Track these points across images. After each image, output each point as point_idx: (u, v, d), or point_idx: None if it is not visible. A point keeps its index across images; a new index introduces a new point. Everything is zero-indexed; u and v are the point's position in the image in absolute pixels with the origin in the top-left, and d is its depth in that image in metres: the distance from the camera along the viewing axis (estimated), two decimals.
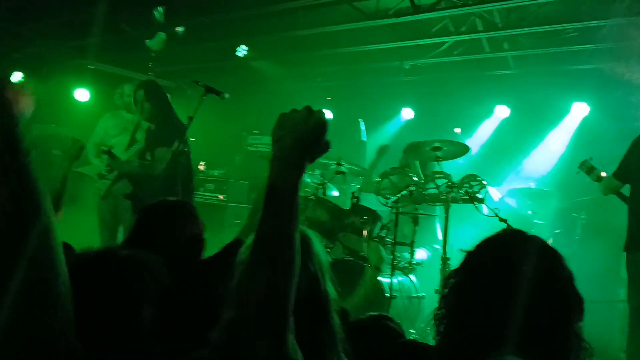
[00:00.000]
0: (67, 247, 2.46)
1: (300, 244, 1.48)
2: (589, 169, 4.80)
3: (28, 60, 8.63)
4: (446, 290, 1.44)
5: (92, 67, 8.23)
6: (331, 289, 1.63)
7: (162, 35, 7.12)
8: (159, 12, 6.82)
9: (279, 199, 1.19)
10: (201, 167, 8.45)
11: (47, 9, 6.82)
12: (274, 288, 1.17)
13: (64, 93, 8.53)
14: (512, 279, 1.32)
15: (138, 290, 1.69)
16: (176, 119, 4.94)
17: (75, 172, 6.80)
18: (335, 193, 6.71)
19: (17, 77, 8.74)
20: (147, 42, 7.18)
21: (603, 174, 4.67)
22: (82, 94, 8.51)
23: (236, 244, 2.41)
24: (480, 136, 8.18)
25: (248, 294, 1.20)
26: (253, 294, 1.19)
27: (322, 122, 1.28)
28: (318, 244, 1.67)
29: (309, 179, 6.73)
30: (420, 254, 5.87)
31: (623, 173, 4.41)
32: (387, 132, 8.96)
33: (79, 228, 5.72)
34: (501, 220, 4.69)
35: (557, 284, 1.34)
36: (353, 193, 5.65)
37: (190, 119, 4.50)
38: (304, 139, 1.24)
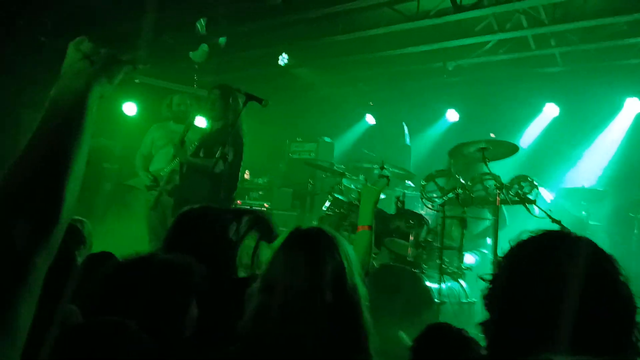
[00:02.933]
0: (108, 255, 2.51)
1: (327, 238, 1.66)
2: None
3: None
4: (487, 294, 1.41)
5: (138, 81, 8.42)
6: (360, 285, 1.65)
7: (204, 47, 7.23)
8: (201, 24, 6.93)
9: None
10: (246, 175, 8.52)
11: (91, 24, 7.02)
12: None
13: (113, 107, 8.76)
14: (557, 281, 1.27)
15: (180, 292, 1.72)
16: (240, 127, 4.96)
17: (124, 184, 7.02)
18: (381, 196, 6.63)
19: None
20: (191, 54, 7.32)
21: None
22: (129, 108, 8.72)
23: None
24: (529, 136, 7.97)
25: None
26: None
27: None
28: (347, 244, 1.74)
29: (353, 184, 6.69)
30: (469, 258, 5.73)
31: None
32: (432, 135, 8.83)
33: (130, 238, 5.86)
34: (554, 221, 4.51)
35: (607, 287, 1.29)
36: (398, 197, 5.57)
37: (232, 126, 4.55)
38: None
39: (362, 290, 1.63)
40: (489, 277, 1.42)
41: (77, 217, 3.32)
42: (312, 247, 1.62)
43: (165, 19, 6.87)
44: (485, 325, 1.37)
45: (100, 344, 1.29)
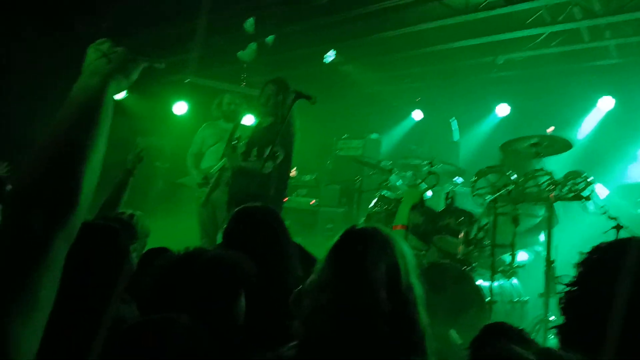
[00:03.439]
0: (164, 251, 2.59)
1: (382, 237, 1.62)
2: None
3: None
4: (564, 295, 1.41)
5: (188, 81, 8.60)
6: (417, 284, 1.62)
7: (253, 46, 7.33)
8: (249, 24, 7.02)
9: None
10: (293, 172, 8.59)
11: (143, 27, 7.21)
12: None
13: (164, 107, 8.98)
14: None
15: (227, 286, 1.75)
16: (292, 125, 4.97)
17: (175, 182, 7.19)
18: (428, 194, 6.57)
19: (120, 93, 9.30)
20: (239, 53, 7.42)
21: None
22: (180, 107, 8.92)
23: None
24: (584, 130, 7.73)
25: None
26: None
27: None
28: (403, 243, 1.69)
29: (400, 181, 6.65)
30: (521, 256, 5.61)
31: None
32: (481, 130, 8.68)
33: (181, 234, 6.01)
34: (610, 218, 4.38)
35: None
36: (447, 194, 5.50)
37: (281, 124, 4.59)
38: None
39: (419, 290, 1.61)
40: (567, 281, 1.41)
41: (133, 212, 3.41)
42: (365, 246, 1.60)
43: (214, 20, 7.00)
44: (560, 329, 1.38)
45: (154, 341, 1.33)
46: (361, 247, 1.60)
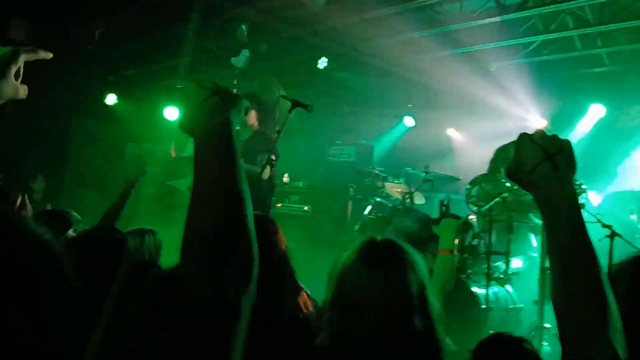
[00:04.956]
0: (150, 265, 2.54)
1: (408, 253, 1.55)
2: None
3: (121, 82, 9.12)
4: None
5: (180, 86, 8.55)
6: (435, 300, 1.61)
7: (246, 53, 7.32)
8: (242, 31, 7.02)
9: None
10: (285, 179, 8.56)
11: (137, 33, 7.17)
12: None
13: (155, 112, 8.92)
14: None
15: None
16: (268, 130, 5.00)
17: (167, 185, 7.13)
18: (422, 201, 6.58)
19: (111, 99, 9.25)
20: (232, 60, 7.41)
21: None
22: (172, 112, 8.86)
23: None
24: (574, 138, 7.78)
25: None
26: None
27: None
28: (419, 257, 1.65)
29: (394, 189, 6.65)
30: (515, 263, 5.62)
31: None
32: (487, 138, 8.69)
33: (173, 241, 5.95)
34: (604, 226, 4.41)
35: None
36: (442, 201, 5.50)
37: (278, 132, 4.57)
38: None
39: (437, 305, 1.59)
40: None
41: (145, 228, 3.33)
42: (397, 263, 1.54)
43: (207, 26, 6.99)
44: None
45: None
46: (393, 265, 1.53)
